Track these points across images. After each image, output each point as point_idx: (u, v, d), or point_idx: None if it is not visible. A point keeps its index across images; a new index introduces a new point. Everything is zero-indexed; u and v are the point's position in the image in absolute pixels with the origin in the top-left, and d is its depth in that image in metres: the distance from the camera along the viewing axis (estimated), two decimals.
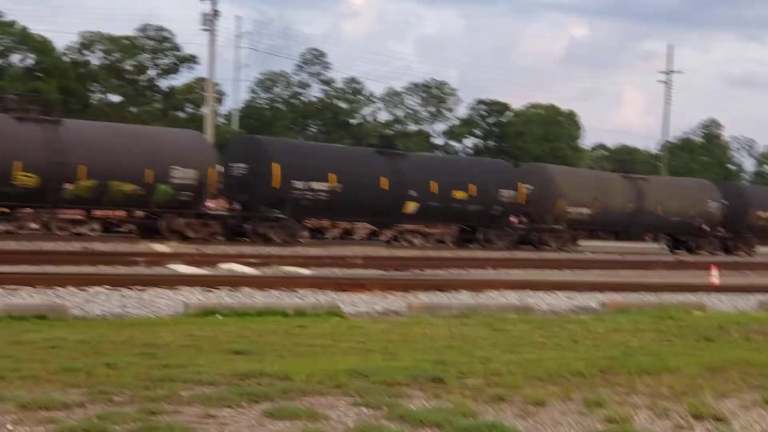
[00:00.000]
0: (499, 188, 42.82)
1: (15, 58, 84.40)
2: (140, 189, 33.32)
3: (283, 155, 37.05)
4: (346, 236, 42.42)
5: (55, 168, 31.75)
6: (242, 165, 36.50)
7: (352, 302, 16.70)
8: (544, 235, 44.78)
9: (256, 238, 35.34)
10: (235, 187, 36.43)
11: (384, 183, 38.96)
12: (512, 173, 45.27)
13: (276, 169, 36.06)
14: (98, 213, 34.43)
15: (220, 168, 36.60)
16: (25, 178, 31.28)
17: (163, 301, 15.62)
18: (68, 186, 32.02)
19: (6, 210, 31.73)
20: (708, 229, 50.91)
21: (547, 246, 44.17)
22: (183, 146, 35.23)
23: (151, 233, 34.13)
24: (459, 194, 41.54)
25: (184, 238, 33.78)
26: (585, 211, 46.07)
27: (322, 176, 37.25)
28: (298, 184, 36.51)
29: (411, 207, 40.02)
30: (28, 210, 31.97)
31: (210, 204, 35.49)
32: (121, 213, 35.21)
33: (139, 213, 35.29)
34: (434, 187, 40.69)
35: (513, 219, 43.57)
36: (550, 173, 46.52)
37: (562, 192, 45.06)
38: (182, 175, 34.21)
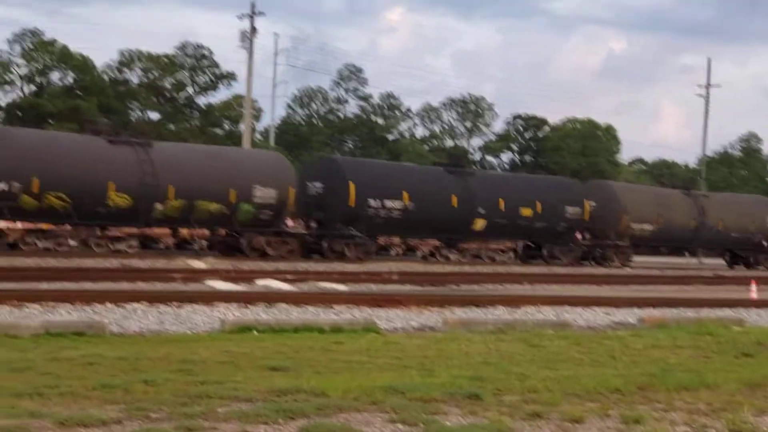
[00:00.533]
0: (565, 205, 43.75)
1: (55, 77, 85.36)
2: (224, 208, 34.59)
3: (359, 174, 38.12)
4: (409, 252, 42.86)
5: (147, 189, 33.01)
6: (318, 184, 37.50)
7: (388, 318, 16.69)
8: (608, 251, 45.36)
9: (331, 255, 36.34)
10: (312, 205, 37.23)
11: (454, 201, 40.03)
12: (577, 190, 46.17)
13: (352, 188, 37.16)
14: (185, 232, 35.62)
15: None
16: (118, 199, 32.60)
17: (200, 318, 15.68)
18: (158, 206, 33.31)
19: (45, 227, 32.03)
20: (766, 244, 51.21)
21: (610, 261, 44.78)
22: (264, 167, 36.28)
23: (233, 251, 35.35)
24: (526, 211, 42.44)
25: (263, 256, 34.81)
26: (648, 227, 46.72)
27: (395, 195, 38.33)
28: (373, 203, 37.61)
29: (479, 224, 41.04)
30: (67, 226, 32.22)
31: (289, 222, 36.22)
32: (204, 231, 36.09)
33: (222, 231, 36.26)
34: (502, 204, 41.63)
35: (578, 235, 44.25)
36: (614, 190, 47.20)
37: (625, 208, 45.69)
38: (263, 194, 35.39)
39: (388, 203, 37.95)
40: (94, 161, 32.39)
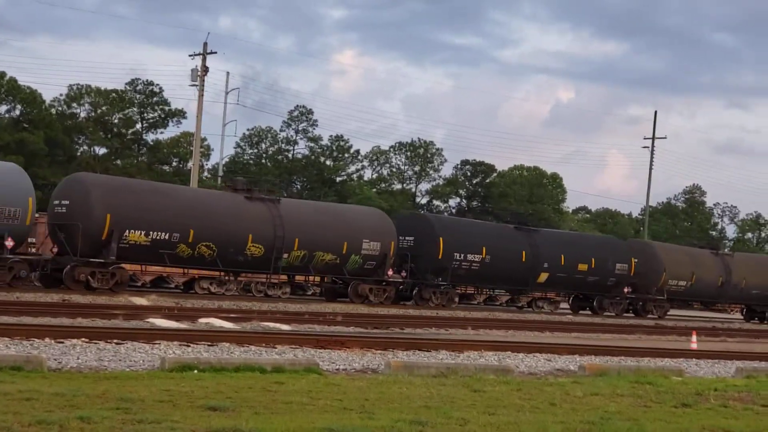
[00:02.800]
0: (615, 262, 48.20)
1: (2, 109, 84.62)
2: (337, 258, 38.41)
3: (447, 231, 42.39)
4: (489, 302, 46.99)
5: (277, 240, 36.76)
6: (410, 238, 41.35)
7: (331, 359, 16.62)
8: (648, 304, 49.92)
9: (420, 302, 40.64)
10: (403, 257, 40.79)
11: (523, 256, 44.28)
12: (624, 248, 50.69)
13: (441, 242, 41.25)
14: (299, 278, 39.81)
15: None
16: (254, 249, 36.31)
17: (140, 355, 15.52)
18: (285, 255, 37.07)
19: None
20: None
21: (650, 314, 49.29)
22: (370, 222, 40.37)
23: (336, 296, 39.65)
24: (582, 266, 46.74)
25: (364, 300, 38.57)
26: (682, 283, 51.28)
27: (476, 249, 42.53)
28: (458, 256, 41.73)
29: (543, 277, 45.23)
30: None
31: (389, 272, 39.81)
32: (317, 278, 40.44)
33: (327, 278, 40.49)
34: (562, 259, 45.94)
35: (626, 289, 48.46)
36: (655, 249, 51.67)
37: (664, 266, 50.10)
38: (369, 247, 39.20)
39: (470, 257, 42.20)
40: (236, 215, 36.23)
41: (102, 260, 32.80)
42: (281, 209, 37.50)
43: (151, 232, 33.82)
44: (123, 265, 33.69)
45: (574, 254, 46.55)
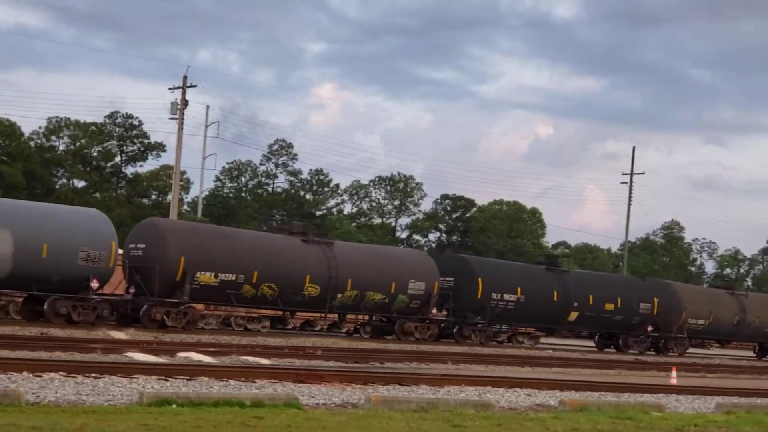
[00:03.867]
0: (639, 301, 50.06)
1: None
2: (385, 298, 40.55)
3: (485, 271, 44.60)
4: (515, 340, 47.68)
5: (332, 281, 38.81)
6: (450, 279, 43.19)
7: (311, 393, 16.54)
8: (669, 342, 51.51)
9: (461, 339, 42.63)
10: (445, 296, 42.73)
11: (555, 295, 46.41)
12: (647, 288, 52.28)
13: (480, 283, 43.37)
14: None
15: None
16: (311, 289, 38.32)
17: (119, 389, 15.40)
18: (339, 295, 39.13)
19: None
20: None
21: (671, 352, 50.90)
22: (415, 263, 42.64)
23: (383, 333, 41.86)
24: (608, 306, 48.56)
25: (409, 337, 40.61)
26: (701, 322, 53.09)
27: (512, 289, 44.66)
28: (495, 296, 43.85)
29: (573, 316, 47.41)
30: None
31: (433, 310, 41.77)
32: (366, 317, 42.48)
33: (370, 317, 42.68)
34: (591, 299, 47.87)
35: (649, 327, 50.14)
36: (675, 289, 53.54)
37: (685, 306, 51.97)
38: (415, 287, 41.28)
39: (506, 296, 44.31)
40: (295, 258, 38.27)
41: (176, 300, 34.76)
42: (335, 251, 39.75)
43: (219, 274, 35.88)
44: (194, 305, 35.77)
45: (602, 294, 48.53)
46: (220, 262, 35.88)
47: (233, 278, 36.15)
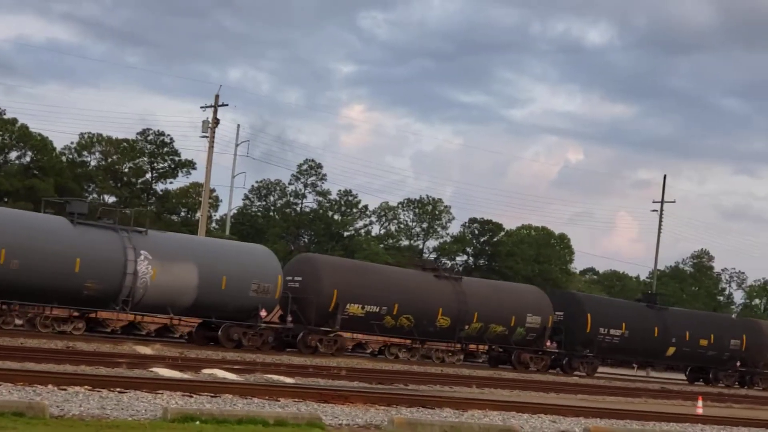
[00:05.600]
0: (730, 338, 52.50)
1: (12, 155, 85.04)
2: (506, 330, 43.67)
3: (594, 307, 47.62)
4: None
5: (461, 313, 42.08)
6: (560, 313, 45.84)
7: (334, 414, 16.51)
8: (755, 377, 53.66)
9: (569, 371, 45.46)
10: (556, 330, 45.53)
11: (656, 331, 49.22)
12: (737, 326, 55.19)
13: (589, 318, 46.25)
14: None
15: None
16: (443, 320, 41.61)
17: (143, 404, 15.43)
18: (466, 327, 42.33)
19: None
20: None
21: (756, 386, 52.70)
22: (532, 299, 45.47)
23: (499, 363, 44.64)
24: (703, 342, 51.08)
25: (525, 367, 43.43)
26: None
27: (618, 324, 47.60)
28: (603, 330, 46.80)
29: (671, 351, 50.19)
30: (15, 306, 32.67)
31: (547, 342, 44.74)
32: (484, 347, 45.63)
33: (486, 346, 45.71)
34: (687, 335, 50.55)
35: (738, 363, 52.61)
36: (762, 327, 55.46)
37: None
38: (532, 320, 44.26)
39: (612, 331, 47.24)
40: (428, 292, 41.48)
41: (329, 329, 38.18)
42: (463, 286, 43.10)
43: (366, 306, 39.31)
44: (342, 333, 39.01)
45: (697, 330, 51.12)
46: (366, 295, 39.34)
47: (377, 310, 39.67)
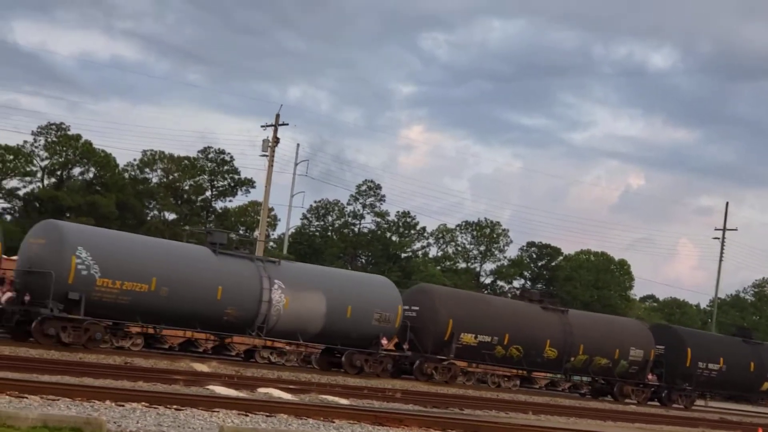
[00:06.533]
0: None
1: (76, 171, 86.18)
2: (609, 363, 44.86)
3: (693, 341, 48.90)
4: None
5: (567, 345, 43.30)
6: (661, 347, 47.09)
7: None
8: None
9: (668, 403, 47.00)
10: (655, 364, 46.64)
11: (752, 366, 50.59)
12: None
13: (689, 352, 47.71)
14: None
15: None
16: (550, 352, 42.82)
17: (199, 422, 15.49)
18: (572, 358, 43.57)
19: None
20: None
21: None
22: (635, 332, 46.97)
23: (600, 395, 45.90)
24: None
25: (620, 398, 44.82)
26: None
27: (716, 359, 49.05)
28: (701, 364, 48.21)
29: (765, 386, 51.48)
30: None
31: (649, 376, 46.13)
32: (586, 377, 46.95)
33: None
34: None
35: None
36: None
37: None
38: (635, 354, 45.60)
39: (710, 365, 48.70)
40: (536, 323, 42.73)
41: (443, 357, 39.56)
42: (569, 319, 44.33)
43: (478, 335, 40.62)
44: (455, 362, 40.12)
45: None
46: (479, 325, 40.68)
47: (489, 339, 40.94)
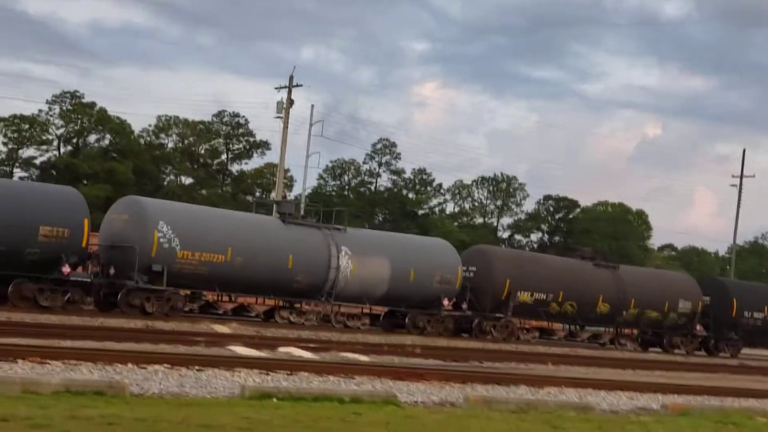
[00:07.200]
0: None
1: (92, 138, 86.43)
2: (660, 315, 46.10)
3: (739, 292, 50.30)
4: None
5: (619, 300, 44.54)
6: (707, 298, 47.96)
7: (409, 391, 16.57)
8: None
9: (715, 352, 47.96)
10: (702, 315, 47.77)
11: None
12: None
13: (735, 303, 48.76)
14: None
15: None
16: (603, 307, 44.04)
17: (221, 382, 15.64)
18: (624, 312, 44.91)
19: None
20: None
21: None
22: (684, 286, 48.14)
23: (649, 346, 46.77)
24: None
25: (669, 349, 46.06)
26: None
27: (760, 308, 49.79)
28: (747, 314, 49.20)
29: None
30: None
31: (697, 327, 47.36)
32: (634, 330, 47.25)
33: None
34: None
35: None
36: None
37: None
38: (684, 306, 46.70)
39: (756, 314, 49.58)
40: (589, 280, 43.93)
41: (501, 315, 40.77)
42: (621, 274, 45.58)
43: (534, 293, 41.83)
44: (512, 319, 41.37)
45: None
46: (534, 284, 41.90)
47: (544, 297, 42.19)
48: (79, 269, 32.21)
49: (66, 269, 31.19)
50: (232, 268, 34.16)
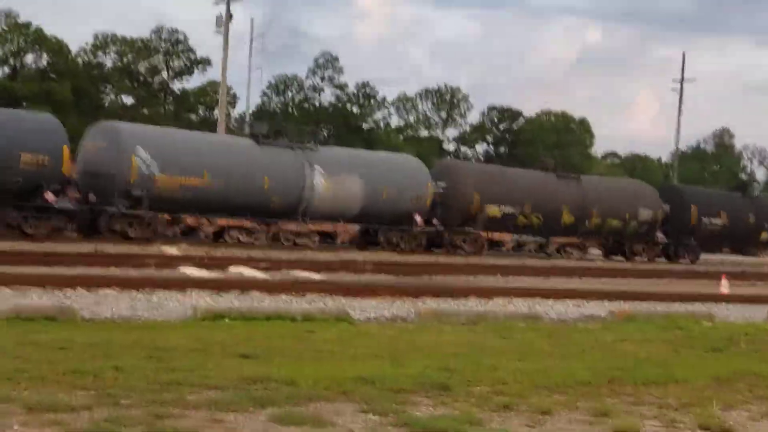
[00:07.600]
0: None
1: (29, 59, 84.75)
2: (621, 224, 46.77)
3: (697, 199, 51.28)
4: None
5: (581, 211, 45.15)
6: (667, 206, 48.66)
7: (361, 308, 16.69)
8: None
9: (675, 259, 48.71)
10: (662, 222, 48.59)
11: (751, 219, 52.52)
12: None
13: (694, 209, 49.96)
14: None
15: None
16: (567, 218, 44.63)
17: (172, 304, 15.65)
18: (586, 222, 45.48)
19: None
20: None
21: None
22: (644, 194, 48.67)
23: (611, 254, 47.61)
24: None
25: (631, 257, 46.95)
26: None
27: (717, 214, 51.13)
28: (705, 220, 50.44)
29: (764, 236, 53.73)
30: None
31: (659, 234, 48.11)
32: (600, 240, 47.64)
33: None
34: None
35: None
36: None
37: None
38: (644, 214, 47.47)
39: (713, 220, 50.89)
40: (553, 192, 44.41)
41: (471, 229, 41.38)
42: (583, 185, 46.34)
43: (502, 206, 42.42)
44: (481, 233, 41.82)
45: None
46: (503, 197, 42.58)
47: (512, 210, 42.82)
48: (60, 197, 32.00)
49: (50, 197, 31.12)
50: (211, 191, 34.60)
